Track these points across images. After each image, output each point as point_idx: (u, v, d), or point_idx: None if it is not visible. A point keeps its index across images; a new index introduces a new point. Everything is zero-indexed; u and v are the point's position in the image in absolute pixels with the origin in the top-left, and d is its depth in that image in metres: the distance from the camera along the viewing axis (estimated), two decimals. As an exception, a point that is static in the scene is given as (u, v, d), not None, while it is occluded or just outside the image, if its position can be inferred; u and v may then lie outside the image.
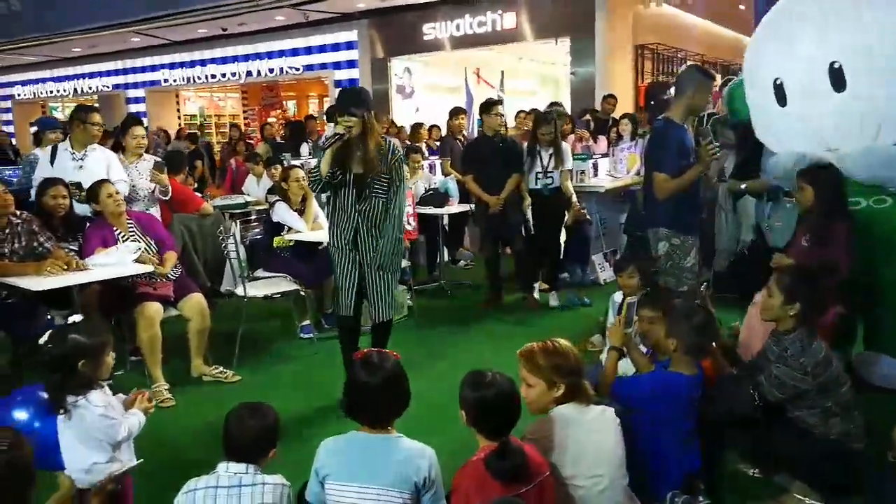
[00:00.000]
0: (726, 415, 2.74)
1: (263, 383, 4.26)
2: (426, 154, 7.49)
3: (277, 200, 5.26)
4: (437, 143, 8.43)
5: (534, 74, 14.65)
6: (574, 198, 5.75)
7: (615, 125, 7.98)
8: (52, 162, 4.68)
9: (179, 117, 16.79)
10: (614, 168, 7.10)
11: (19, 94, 18.13)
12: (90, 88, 16.64)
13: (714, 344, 2.88)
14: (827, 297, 3.01)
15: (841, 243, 3.45)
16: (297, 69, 13.38)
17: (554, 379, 2.29)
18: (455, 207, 6.38)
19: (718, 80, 9.76)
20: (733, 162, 5.48)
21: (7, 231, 3.92)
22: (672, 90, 10.28)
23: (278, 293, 4.84)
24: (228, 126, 13.21)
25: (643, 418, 2.56)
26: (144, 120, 15.05)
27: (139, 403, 2.48)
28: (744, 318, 3.63)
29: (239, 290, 4.72)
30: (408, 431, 2.19)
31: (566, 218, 5.78)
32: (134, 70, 15.74)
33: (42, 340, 2.41)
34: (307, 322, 5.09)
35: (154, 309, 4.11)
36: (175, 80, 15.17)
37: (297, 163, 7.18)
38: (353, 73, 12.63)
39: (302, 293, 4.96)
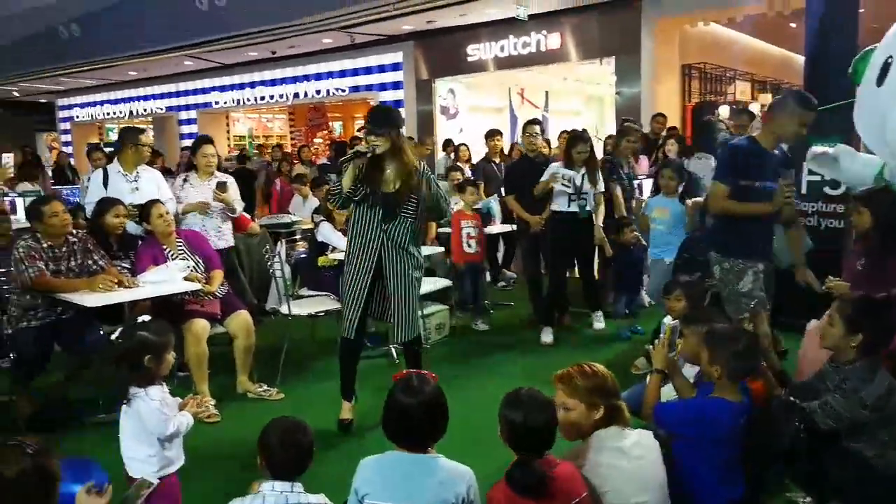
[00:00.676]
0: (769, 445, 2.66)
1: (306, 401, 4.29)
2: (466, 173, 7.51)
3: (322, 220, 5.34)
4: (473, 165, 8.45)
5: (578, 94, 14.62)
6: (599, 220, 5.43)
7: (662, 145, 7.89)
8: (104, 184, 4.84)
9: (229, 138, 17.21)
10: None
11: (78, 116, 18.84)
12: (144, 110, 17.21)
13: (764, 366, 2.81)
14: (892, 329, 2.85)
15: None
16: (344, 90, 13.60)
17: (593, 401, 2.27)
18: (497, 227, 6.37)
19: (768, 98, 9.61)
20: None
21: (65, 249, 4.07)
22: (719, 110, 10.17)
23: (322, 311, 4.88)
24: (271, 148, 13.45)
25: (684, 444, 2.52)
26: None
27: (190, 407, 2.63)
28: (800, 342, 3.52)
29: (284, 309, 4.78)
30: (447, 452, 2.18)
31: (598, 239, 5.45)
32: (186, 93, 16.23)
33: (114, 336, 2.70)
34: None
35: (201, 326, 4.19)
36: (225, 102, 15.58)
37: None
38: (398, 95, 12.78)
39: (345, 312, 4.99)
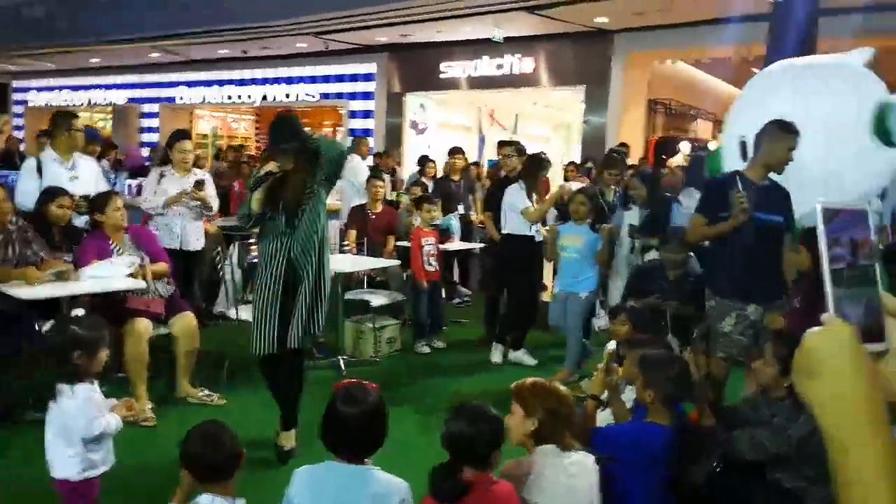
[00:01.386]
0: (687, 474, 2.68)
1: (251, 406, 4.15)
2: (428, 190, 7.47)
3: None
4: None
5: (547, 120, 14.77)
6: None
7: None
8: (38, 170, 4.65)
9: (191, 136, 16.86)
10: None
11: (32, 101, 18.26)
12: (104, 100, 16.76)
13: (698, 395, 2.87)
14: None
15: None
16: (314, 96, 13.48)
17: (531, 409, 2.31)
18: (455, 244, 6.34)
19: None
20: (636, 217, 5.48)
21: (1, 237, 3.88)
22: (680, 145, 10.34)
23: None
24: (226, 148, 13.21)
25: (619, 468, 2.53)
26: (156, 136, 15.14)
27: (119, 409, 2.53)
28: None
29: (231, 313, 4.64)
30: (384, 465, 2.15)
31: None
32: (150, 85, 15.86)
33: (45, 328, 2.64)
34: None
35: (143, 326, 4.04)
36: (191, 99, 15.29)
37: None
38: (368, 105, 12.73)
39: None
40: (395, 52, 12.16)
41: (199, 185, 4.99)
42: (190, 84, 15.17)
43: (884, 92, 4.18)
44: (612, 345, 3.86)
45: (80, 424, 2.39)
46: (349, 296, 5.62)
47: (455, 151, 7.87)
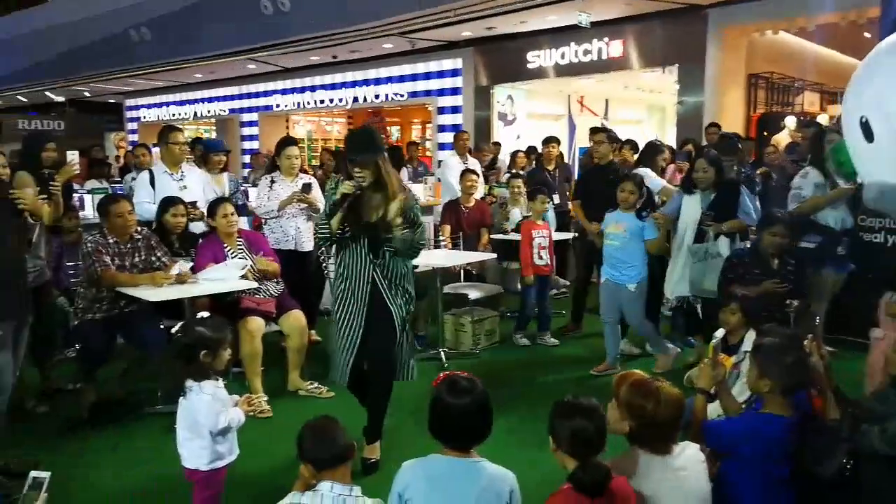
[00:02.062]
0: (813, 470, 2.53)
1: (355, 400, 4.29)
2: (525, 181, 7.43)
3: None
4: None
5: (640, 103, 14.39)
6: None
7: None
8: (151, 183, 4.94)
9: (297, 142, 17.46)
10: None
11: (144, 117, 19.48)
12: (208, 112, 17.68)
13: (820, 381, 2.68)
14: None
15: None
16: (402, 95, 13.70)
17: (625, 413, 2.22)
18: (555, 235, 6.27)
19: (838, 110, 9.19)
20: (697, 202, 4.79)
21: (129, 245, 4.20)
22: (785, 120, 9.70)
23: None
24: (320, 151, 13.59)
25: (734, 463, 2.43)
26: (256, 143, 15.83)
27: (241, 405, 2.68)
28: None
29: (337, 310, 4.81)
30: (488, 456, 2.17)
31: None
32: (248, 95, 16.60)
33: (174, 330, 2.80)
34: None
35: (256, 324, 4.27)
36: (286, 105, 15.87)
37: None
38: (456, 100, 12.80)
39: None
40: (481, 46, 12.16)
41: (307, 188, 5.18)
42: (284, 92, 15.74)
43: None
44: (720, 332, 3.72)
45: (209, 418, 2.55)
46: (447, 290, 5.70)
47: (550, 140, 7.72)
